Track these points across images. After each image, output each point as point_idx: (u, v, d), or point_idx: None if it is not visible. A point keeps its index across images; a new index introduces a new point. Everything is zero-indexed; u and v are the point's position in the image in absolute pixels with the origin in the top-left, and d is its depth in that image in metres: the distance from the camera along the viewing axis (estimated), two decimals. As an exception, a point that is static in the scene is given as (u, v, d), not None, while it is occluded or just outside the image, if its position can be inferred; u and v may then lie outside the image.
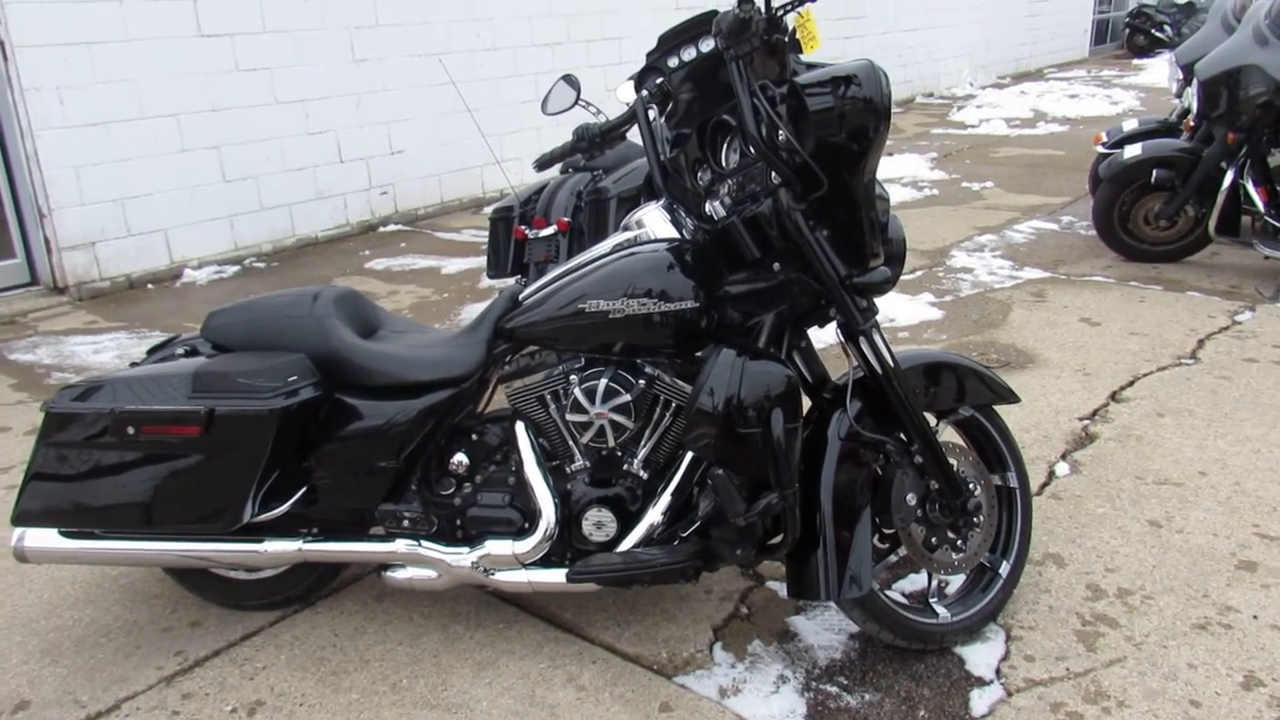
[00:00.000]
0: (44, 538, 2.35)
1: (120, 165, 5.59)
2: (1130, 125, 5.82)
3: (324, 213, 6.68)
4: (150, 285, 5.79)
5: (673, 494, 2.23)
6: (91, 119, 5.43)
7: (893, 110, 2.01)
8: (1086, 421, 3.51)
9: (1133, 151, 5.17)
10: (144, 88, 5.61)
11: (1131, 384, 3.82)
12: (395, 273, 5.90)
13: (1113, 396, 3.72)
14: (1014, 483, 2.49)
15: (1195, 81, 4.93)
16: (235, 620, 2.55)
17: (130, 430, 2.17)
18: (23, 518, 2.26)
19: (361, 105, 6.73)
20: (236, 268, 6.09)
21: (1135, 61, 15.70)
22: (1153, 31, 16.56)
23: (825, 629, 2.43)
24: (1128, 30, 17.17)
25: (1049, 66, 15.68)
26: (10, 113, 5.28)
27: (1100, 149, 5.77)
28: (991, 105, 11.38)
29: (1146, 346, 4.19)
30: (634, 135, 2.44)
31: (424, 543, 2.31)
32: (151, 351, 2.49)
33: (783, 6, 2.03)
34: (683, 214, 2.27)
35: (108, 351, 4.65)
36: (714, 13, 2.21)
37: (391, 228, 7.01)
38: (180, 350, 2.41)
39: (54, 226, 5.42)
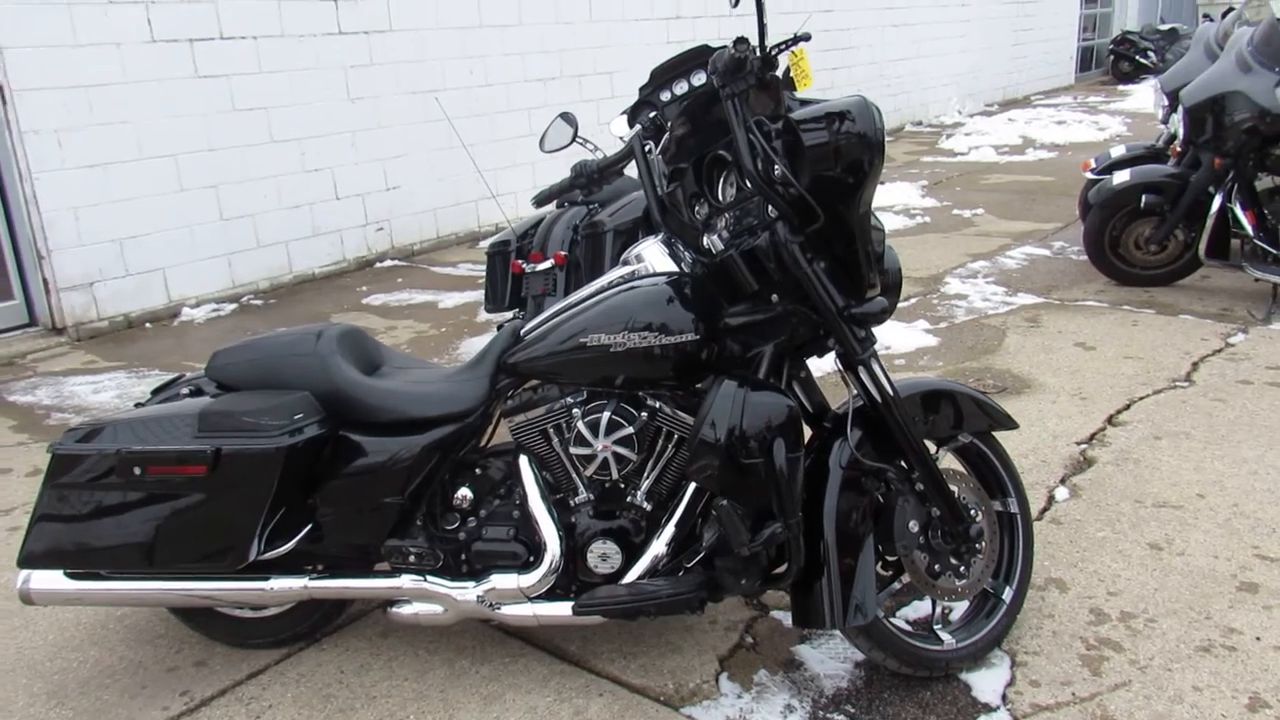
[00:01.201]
0: (49, 580, 2.35)
1: (118, 206, 5.62)
2: (1118, 151, 5.90)
3: (321, 249, 6.71)
4: (148, 324, 5.81)
5: (676, 525, 2.25)
6: (90, 160, 5.47)
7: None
8: (1084, 446, 3.54)
9: (1122, 177, 5.24)
10: (142, 129, 5.66)
11: (1128, 408, 3.85)
12: (393, 308, 5.92)
13: (1109, 420, 3.74)
14: (1014, 508, 2.51)
15: (1181, 108, 5.00)
16: (241, 659, 2.54)
17: (136, 470, 2.18)
18: (29, 560, 2.27)
19: (357, 143, 6.79)
20: (234, 305, 6.11)
21: (1120, 87, 15.89)
22: (1137, 58, 16.79)
23: (831, 658, 2.44)
24: (1112, 57, 17.41)
25: (1036, 93, 15.87)
26: (9, 156, 5.32)
27: (1089, 175, 5.84)
28: (980, 132, 11.51)
29: (1141, 370, 4.23)
30: (630, 170, 2.48)
31: (429, 578, 2.32)
32: (156, 392, 2.50)
33: (776, 46, 2.08)
34: (681, 248, 2.30)
35: (107, 391, 4.66)
36: (705, 47, 2.26)
37: (388, 263, 7.05)
38: (185, 390, 2.43)
39: (52, 268, 5.44)
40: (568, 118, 2.91)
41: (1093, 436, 3.61)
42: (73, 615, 2.78)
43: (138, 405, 2.44)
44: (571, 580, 2.29)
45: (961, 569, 2.34)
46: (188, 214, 5.95)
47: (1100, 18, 18.82)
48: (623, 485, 2.29)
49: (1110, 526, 2.98)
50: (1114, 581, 2.69)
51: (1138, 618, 2.53)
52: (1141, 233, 5.30)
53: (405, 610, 2.35)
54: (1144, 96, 13.07)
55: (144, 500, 2.21)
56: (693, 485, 2.24)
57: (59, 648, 2.64)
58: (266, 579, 2.34)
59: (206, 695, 2.42)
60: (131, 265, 5.74)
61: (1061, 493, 3.20)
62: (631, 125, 2.51)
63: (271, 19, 6.17)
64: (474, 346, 5.03)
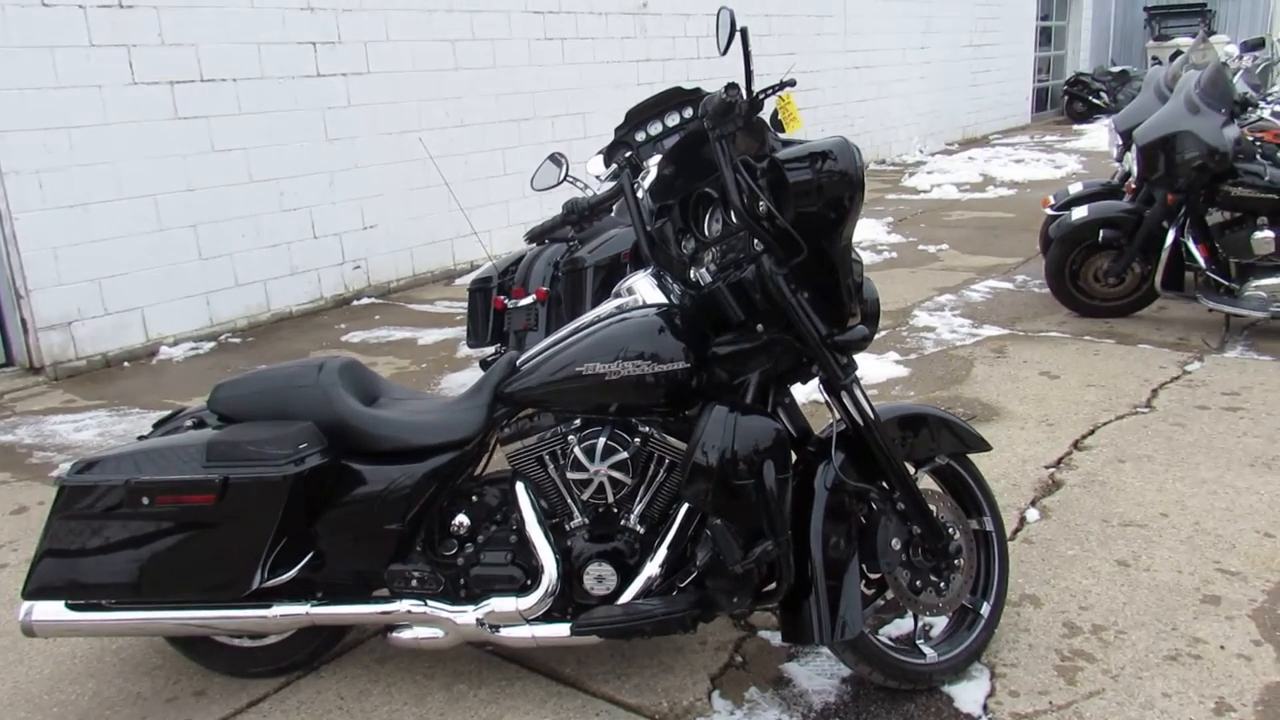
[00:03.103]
0: (51, 611, 2.38)
1: (98, 245, 5.66)
2: (1076, 188, 6.14)
3: (298, 288, 6.77)
4: (127, 363, 5.82)
5: (669, 547, 2.33)
6: (70, 201, 5.51)
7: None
8: (1052, 469, 3.67)
9: (1080, 213, 5.45)
10: (122, 169, 5.71)
11: (1092, 433, 4.00)
12: (372, 345, 5.98)
13: (1075, 445, 3.89)
14: (990, 526, 2.62)
15: (1135, 147, 5.23)
16: (239, 688, 2.58)
17: (145, 501, 2.23)
18: (36, 592, 2.30)
19: (334, 182, 6.87)
20: (213, 344, 6.14)
21: (1075, 127, 16.38)
22: (1090, 98, 17.33)
23: (818, 674, 2.53)
24: (1066, 97, 17.96)
25: (994, 133, 16.30)
26: (-11, 197, 5.35)
27: (1049, 211, 6.07)
28: (942, 171, 11.81)
29: (1104, 397, 4.39)
30: (618, 207, 2.60)
31: (430, 602, 2.38)
32: (158, 425, 2.56)
33: (763, 91, 2.21)
34: (670, 280, 2.41)
35: (89, 429, 4.67)
36: (678, 89, 2.38)
37: (365, 301, 7.11)
38: (188, 423, 2.49)
39: (31, 307, 5.45)
40: (556, 159, 3.03)
41: (1060, 460, 3.75)
42: (68, 648, 2.80)
43: (141, 438, 2.49)
44: (568, 602, 2.37)
45: (942, 585, 2.45)
46: (166, 253, 5.99)
47: (1054, 60, 19.42)
48: (616, 509, 2.37)
49: (1080, 545, 3.10)
50: (1085, 596, 2.81)
51: (1108, 630, 2.65)
52: (1100, 266, 5.50)
53: (406, 634, 2.41)
54: (1098, 135, 13.48)
55: (151, 530, 2.25)
56: (684, 508, 2.33)
57: (56, 681, 2.66)
58: (269, 606, 2.39)
59: (208, 723, 2.45)
60: (110, 304, 5.76)
61: (1032, 514, 3.32)
62: (608, 164, 2.64)
63: (251, 62, 6.27)
64: (455, 381, 5.10)
